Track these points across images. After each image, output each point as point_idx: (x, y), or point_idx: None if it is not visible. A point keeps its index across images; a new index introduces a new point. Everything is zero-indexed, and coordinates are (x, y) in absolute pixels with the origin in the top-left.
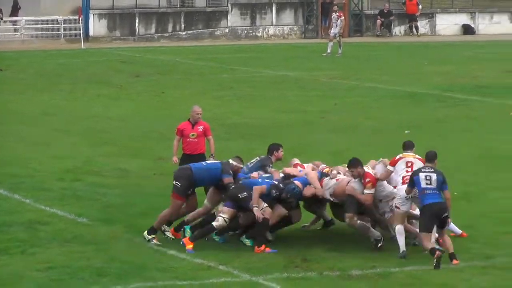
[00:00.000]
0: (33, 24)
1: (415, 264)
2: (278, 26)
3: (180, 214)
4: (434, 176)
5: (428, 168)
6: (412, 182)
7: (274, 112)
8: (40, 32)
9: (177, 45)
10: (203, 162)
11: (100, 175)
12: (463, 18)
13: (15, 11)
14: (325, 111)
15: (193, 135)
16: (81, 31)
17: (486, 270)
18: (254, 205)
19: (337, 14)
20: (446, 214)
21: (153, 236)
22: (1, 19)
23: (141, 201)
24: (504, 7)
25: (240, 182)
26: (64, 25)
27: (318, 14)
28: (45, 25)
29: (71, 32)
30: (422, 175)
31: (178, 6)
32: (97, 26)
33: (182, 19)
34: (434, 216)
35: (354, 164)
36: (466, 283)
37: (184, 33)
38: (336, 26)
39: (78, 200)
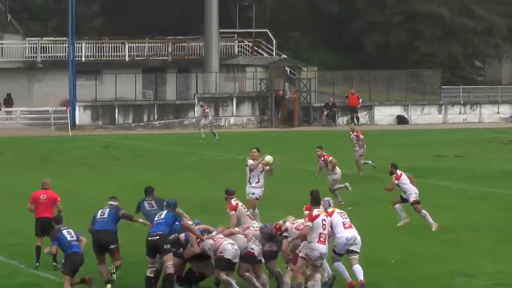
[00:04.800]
0: (27, 114)
1: None
2: (238, 116)
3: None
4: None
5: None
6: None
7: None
8: (33, 121)
9: (151, 132)
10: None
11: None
12: (398, 110)
13: (9, 102)
14: (276, 190)
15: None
16: (69, 120)
17: None
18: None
19: (203, 107)
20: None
21: None
22: (0, 109)
23: (122, 268)
24: (433, 101)
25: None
26: (54, 115)
27: (272, 106)
28: (37, 115)
29: (60, 121)
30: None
31: (152, 99)
32: (82, 116)
33: (155, 110)
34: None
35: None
36: None
37: (157, 122)
38: (206, 117)
39: None
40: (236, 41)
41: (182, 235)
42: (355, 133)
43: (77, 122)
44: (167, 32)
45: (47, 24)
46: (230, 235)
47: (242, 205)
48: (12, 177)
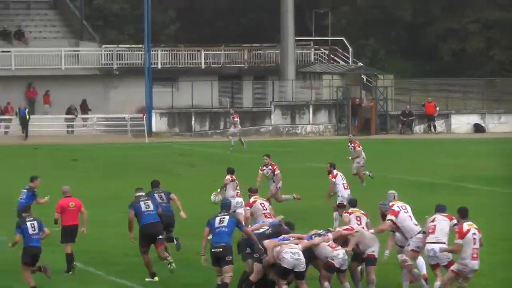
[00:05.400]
0: (103, 121)
1: None
2: (315, 124)
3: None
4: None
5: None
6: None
7: (309, 198)
8: (109, 128)
9: (228, 140)
10: None
11: None
12: (475, 118)
13: (84, 109)
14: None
15: None
16: (145, 127)
17: None
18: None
19: (233, 116)
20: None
21: None
22: (76, 116)
23: (189, 274)
24: (511, 109)
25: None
26: (130, 122)
27: (349, 114)
28: (114, 122)
29: (136, 128)
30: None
31: (228, 106)
32: (159, 123)
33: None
34: None
35: None
36: None
37: None
38: (236, 126)
39: (141, 272)
40: (312, 49)
41: (266, 241)
42: (352, 144)
43: (153, 129)
44: (243, 39)
45: (123, 31)
46: (311, 246)
47: (262, 204)
48: (88, 184)
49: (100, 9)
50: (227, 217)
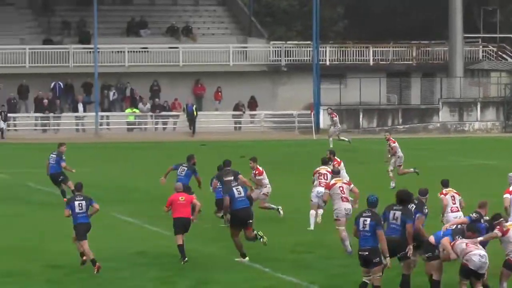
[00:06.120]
0: (270, 117)
1: None
2: (482, 121)
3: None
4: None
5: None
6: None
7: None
8: (276, 125)
9: (395, 137)
10: None
11: (327, 248)
12: None
13: (253, 105)
14: None
15: None
16: (313, 124)
17: None
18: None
19: (331, 115)
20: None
21: None
22: (244, 112)
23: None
24: None
25: None
26: (298, 118)
27: None
28: (281, 118)
29: (304, 124)
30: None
31: (396, 103)
32: (327, 120)
33: (399, 115)
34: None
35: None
36: None
37: (401, 126)
38: (335, 125)
39: (308, 269)
40: (481, 46)
41: (431, 237)
42: (388, 143)
43: (321, 126)
44: (411, 36)
45: (291, 28)
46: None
47: (341, 187)
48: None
49: (269, 5)
50: (368, 220)
